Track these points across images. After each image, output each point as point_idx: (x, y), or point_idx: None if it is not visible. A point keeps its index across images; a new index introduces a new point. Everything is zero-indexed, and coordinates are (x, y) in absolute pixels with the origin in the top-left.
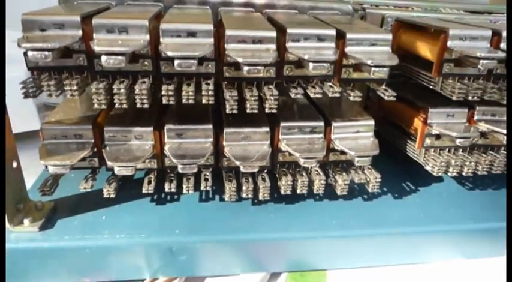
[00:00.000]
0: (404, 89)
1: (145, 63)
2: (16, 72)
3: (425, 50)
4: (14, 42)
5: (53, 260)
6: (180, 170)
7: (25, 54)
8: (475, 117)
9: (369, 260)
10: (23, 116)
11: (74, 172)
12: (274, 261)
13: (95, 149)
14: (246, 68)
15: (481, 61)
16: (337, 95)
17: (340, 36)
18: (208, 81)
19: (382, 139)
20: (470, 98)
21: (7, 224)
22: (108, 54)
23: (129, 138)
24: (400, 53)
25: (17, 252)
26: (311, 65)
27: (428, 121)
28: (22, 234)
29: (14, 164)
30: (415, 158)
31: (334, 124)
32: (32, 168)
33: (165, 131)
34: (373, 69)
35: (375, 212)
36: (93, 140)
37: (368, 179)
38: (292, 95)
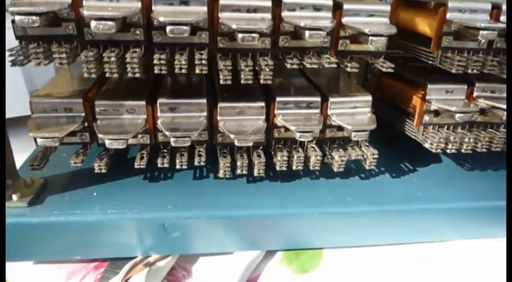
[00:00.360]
0: (402, 70)
1: (137, 32)
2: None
3: (424, 25)
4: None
5: (42, 236)
6: (172, 143)
7: (13, 22)
8: (475, 94)
9: (366, 239)
10: (15, 101)
11: (65, 152)
12: (269, 239)
13: (86, 124)
14: (240, 36)
15: (481, 32)
16: (334, 65)
17: (337, 7)
18: (202, 51)
19: (379, 120)
20: (469, 70)
21: None
22: (98, 19)
23: (121, 112)
24: (399, 30)
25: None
26: (307, 33)
27: (427, 97)
28: (10, 210)
29: None
30: (413, 136)
31: (331, 99)
32: (22, 153)
33: (158, 105)
34: (371, 38)
35: (372, 190)
36: (83, 114)
37: (365, 156)
38: (288, 66)
